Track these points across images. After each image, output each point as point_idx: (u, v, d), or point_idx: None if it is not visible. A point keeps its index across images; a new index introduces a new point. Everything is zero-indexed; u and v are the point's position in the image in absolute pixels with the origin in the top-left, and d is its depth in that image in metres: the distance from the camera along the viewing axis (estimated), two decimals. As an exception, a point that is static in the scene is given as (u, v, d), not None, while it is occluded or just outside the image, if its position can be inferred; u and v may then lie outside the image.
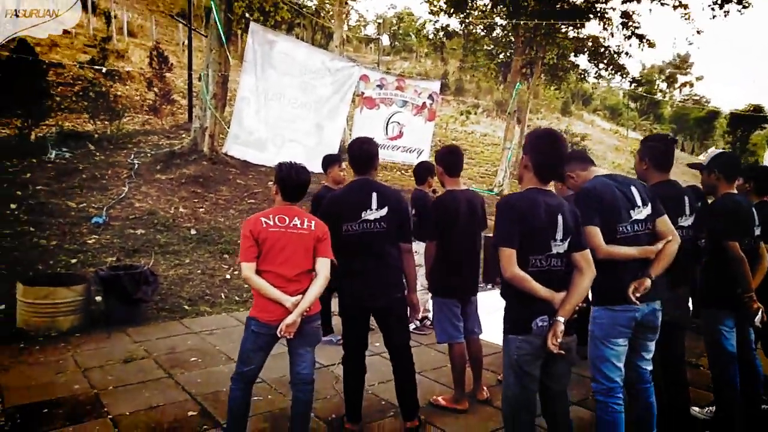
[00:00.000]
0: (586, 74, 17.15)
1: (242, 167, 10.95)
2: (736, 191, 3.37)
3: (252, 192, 10.35)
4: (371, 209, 3.29)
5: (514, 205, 2.52)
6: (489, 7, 15.63)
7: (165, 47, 23.24)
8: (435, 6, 15.48)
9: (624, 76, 15.08)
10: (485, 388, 4.05)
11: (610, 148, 27.23)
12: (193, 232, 8.16)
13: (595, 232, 2.73)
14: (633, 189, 2.87)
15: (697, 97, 56.29)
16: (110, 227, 7.71)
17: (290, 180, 2.95)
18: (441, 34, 16.82)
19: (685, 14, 15.07)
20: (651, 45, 15.65)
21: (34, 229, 7.14)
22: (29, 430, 3.40)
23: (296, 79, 10.97)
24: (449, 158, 3.88)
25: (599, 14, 14.86)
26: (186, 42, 17.00)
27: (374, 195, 3.30)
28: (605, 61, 15.28)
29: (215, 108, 11.14)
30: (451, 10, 16.48)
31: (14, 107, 9.92)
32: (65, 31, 21.89)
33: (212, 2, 11.02)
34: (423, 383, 4.29)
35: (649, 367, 2.94)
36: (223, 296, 6.57)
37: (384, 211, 3.30)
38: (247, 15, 14.01)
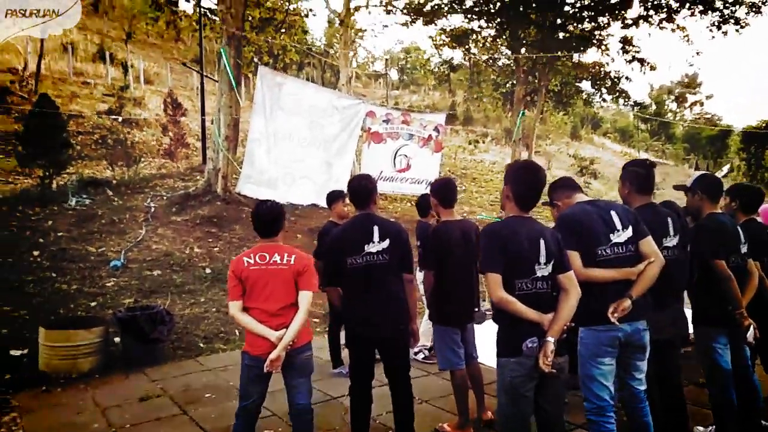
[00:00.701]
0: (591, 99, 17.39)
1: (254, 205, 11.24)
2: (720, 211, 3.48)
3: (264, 229, 10.59)
4: (373, 242, 3.43)
5: (497, 232, 2.68)
6: (490, 40, 16.04)
7: (180, 93, 24.11)
8: (436, 41, 15.93)
9: (626, 100, 15.28)
10: (489, 410, 4.12)
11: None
12: (208, 271, 8.39)
13: (573, 256, 2.86)
14: (613, 213, 3.00)
15: (709, 116, 56.18)
16: (128, 269, 7.97)
17: (257, 216, 3.15)
18: (445, 67, 17.20)
19: (685, 36, 15.31)
20: (652, 68, 15.89)
21: (55, 275, 7.43)
22: (51, 468, 3.55)
23: (305, 119, 11.30)
24: (443, 190, 4.04)
25: (598, 41, 15.16)
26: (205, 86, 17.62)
27: (375, 228, 3.45)
28: (606, 86, 15.53)
29: (227, 150, 11.52)
30: (454, 44, 16.94)
31: (37, 158, 10.37)
32: (84, 83, 22.92)
33: (222, 49, 11.53)
34: (430, 411, 4.40)
35: (642, 387, 3.01)
36: (237, 333, 6.71)
37: (386, 244, 3.45)
38: (255, 60, 14.55)
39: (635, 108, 15.54)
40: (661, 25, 15.54)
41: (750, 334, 3.22)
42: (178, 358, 5.86)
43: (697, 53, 16.32)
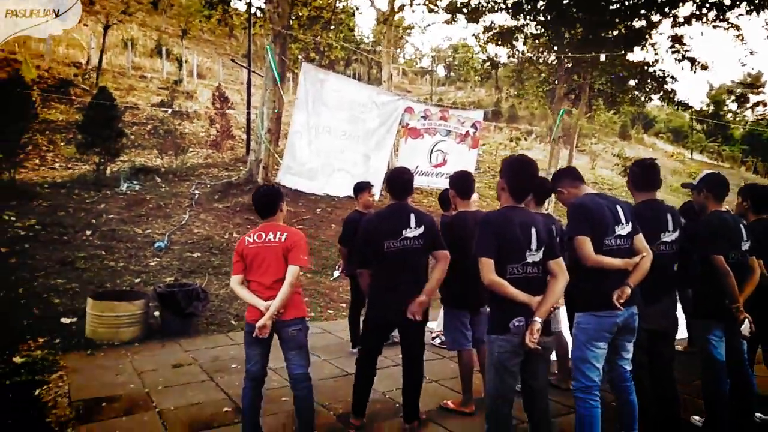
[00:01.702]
0: (637, 98, 16.96)
1: (293, 195, 11.65)
2: (724, 209, 3.55)
3: (301, 218, 11.00)
4: (410, 228, 3.68)
5: (492, 221, 2.88)
6: (533, 38, 15.91)
7: (230, 87, 24.95)
8: (479, 39, 15.94)
9: (671, 100, 14.82)
10: None
11: (670, 171, 26.41)
12: (244, 255, 8.81)
13: (586, 242, 3.02)
14: (618, 207, 3.16)
15: (773, 117, 53.39)
16: (171, 251, 8.49)
17: (255, 200, 3.48)
18: (487, 64, 17.18)
19: (738, 35, 14.78)
20: (704, 67, 15.37)
21: (104, 253, 8.00)
22: (90, 419, 3.96)
23: (345, 113, 11.62)
24: (460, 183, 4.23)
25: (646, 40, 14.80)
26: (252, 80, 18.24)
27: (412, 216, 3.71)
28: (652, 86, 15.12)
29: (269, 142, 11.98)
30: (499, 42, 16.88)
31: (94, 146, 11.10)
32: (141, 76, 24.06)
33: (268, 46, 11.99)
34: (438, 390, 4.63)
35: (629, 367, 3.16)
36: (267, 314, 7.09)
37: (421, 230, 3.69)
38: (299, 57, 14.98)
39: (679, 108, 15.01)
40: (714, 24, 15.06)
41: (745, 328, 3.28)
42: (210, 333, 6.27)
43: (751, 53, 15.68)
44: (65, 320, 6.12)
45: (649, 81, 15.10)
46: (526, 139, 25.18)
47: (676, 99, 15.01)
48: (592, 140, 27.36)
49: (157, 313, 6.40)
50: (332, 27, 18.46)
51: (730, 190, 3.64)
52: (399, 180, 3.88)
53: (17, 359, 5.11)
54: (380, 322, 3.84)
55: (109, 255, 7.98)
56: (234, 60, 20.51)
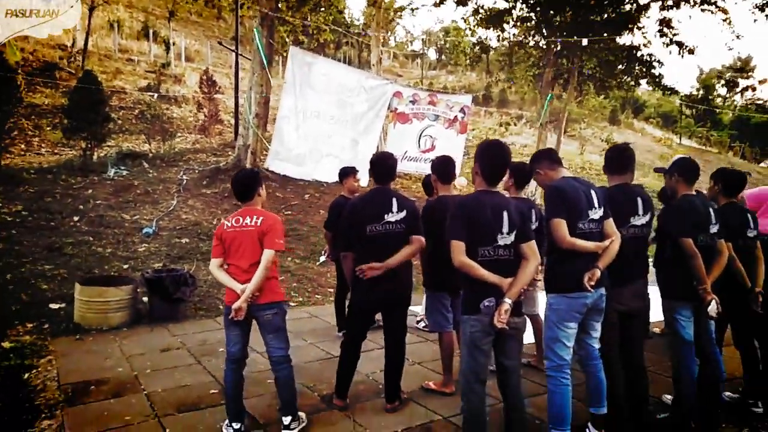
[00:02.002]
0: (623, 83, 17.04)
1: (282, 181, 11.69)
2: (695, 193, 3.65)
3: (289, 204, 11.04)
4: (392, 212, 3.76)
5: (464, 205, 2.96)
6: (522, 21, 15.89)
7: (219, 70, 24.73)
8: (468, 21, 15.91)
9: (658, 84, 14.91)
10: None
11: (658, 156, 26.65)
12: (232, 241, 8.86)
13: (561, 225, 3.11)
14: (592, 192, 3.26)
15: (761, 101, 53.69)
16: (159, 236, 8.52)
17: (233, 183, 3.55)
18: (477, 48, 17.17)
19: (726, 19, 14.86)
20: (691, 52, 15.48)
21: (92, 239, 8.03)
22: (79, 401, 4.03)
23: (333, 98, 11.61)
24: (441, 167, 4.30)
25: (634, 24, 14.85)
26: (240, 64, 18.11)
27: (394, 200, 3.78)
28: (639, 70, 15.20)
29: (257, 127, 11.95)
30: (488, 25, 16.85)
31: (80, 131, 11.04)
32: (128, 60, 23.76)
33: (255, 29, 11.90)
34: (421, 371, 4.75)
35: (597, 346, 3.30)
36: (255, 298, 7.17)
37: (403, 214, 3.77)
38: (287, 40, 14.86)
39: (665, 93, 15.09)
40: (702, 7, 15.13)
41: (712, 309, 3.39)
42: (198, 317, 6.34)
43: (738, 37, 15.65)
44: (53, 306, 6.17)
45: (636, 65, 15.17)
46: (515, 124, 25.23)
47: (663, 83, 15.10)
48: (581, 125, 27.44)
49: (145, 299, 6.45)
50: (321, 9, 18.26)
51: (700, 175, 3.74)
52: (383, 165, 3.95)
53: (6, 344, 5.16)
54: (364, 306, 3.94)
55: (96, 241, 8.01)
56: (221, 43, 20.33)
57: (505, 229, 2.91)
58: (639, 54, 14.94)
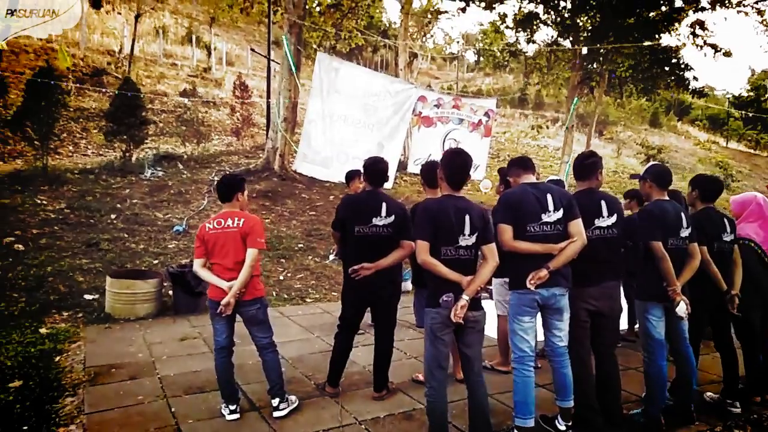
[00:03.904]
0: (659, 85, 16.72)
1: (308, 183, 12.12)
2: (667, 197, 3.80)
3: (314, 205, 11.44)
4: (381, 216, 4.01)
5: (429, 208, 3.24)
6: (554, 26, 15.84)
7: (259, 74, 25.47)
8: (495, 25, 15.97)
9: (686, 87, 14.62)
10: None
11: (697, 160, 25.94)
12: (257, 239, 9.31)
13: (505, 229, 3.38)
14: (549, 196, 3.47)
15: (817, 103, 51.15)
16: (188, 234, 9.04)
17: (216, 186, 3.83)
18: (506, 51, 17.23)
19: (762, 20, 14.48)
20: (727, 54, 15.13)
21: (127, 235, 8.60)
22: (99, 382, 4.48)
23: (359, 102, 11.96)
24: (426, 173, 4.52)
25: (666, 26, 14.62)
26: (273, 69, 18.72)
27: (384, 204, 4.03)
28: (674, 73, 14.92)
29: (285, 130, 12.43)
30: (519, 29, 16.88)
31: (120, 134, 11.75)
32: (172, 64, 24.79)
33: (284, 36, 12.39)
34: (414, 364, 5.02)
35: (561, 343, 3.50)
36: (274, 294, 7.57)
37: (391, 219, 4.02)
38: (314, 46, 15.31)
39: (695, 96, 14.75)
40: (738, 9, 14.79)
41: (680, 309, 3.54)
42: (217, 310, 6.76)
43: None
44: (88, 297, 6.71)
45: (666, 68, 14.93)
46: (548, 127, 25.04)
47: (690, 86, 14.81)
48: (618, 128, 26.97)
49: (170, 292, 6.94)
50: (352, 14, 18.67)
51: (672, 180, 3.90)
52: (374, 168, 4.17)
53: (43, 330, 5.71)
54: (355, 300, 4.22)
55: (131, 237, 8.58)
56: (254, 50, 21.01)
57: (467, 231, 3.17)
58: (663, 56, 14.67)
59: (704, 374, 4.82)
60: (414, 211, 4.51)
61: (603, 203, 3.62)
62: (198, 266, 3.80)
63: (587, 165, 3.69)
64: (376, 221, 4.00)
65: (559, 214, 3.43)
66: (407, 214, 4.12)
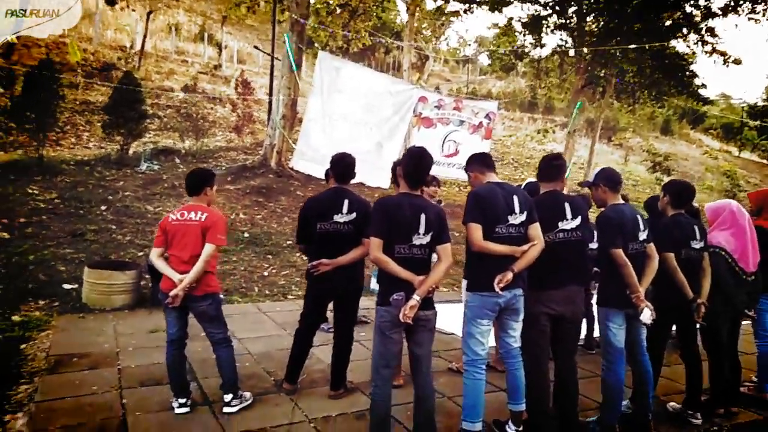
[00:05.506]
0: (665, 91, 16.48)
1: (305, 180, 12.07)
2: (622, 201, 3.69)
3: (308, 203, 11.39)
4: (342, 213, 3.95)
5: (385, 205, 3.16)
6: (561, 30, 15.70)
7: (266, 72, 25.59)
8: (502, 28, 15.85)
9: (690, 94, 14.37)
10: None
11: (705, 169, 25.53)
12: (246, 235, 9.28)
13: (474, 229, 3.25)
14: (515, 197, 3.36)
15: (837, 115, 50.13)
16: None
17: (186, 179, 3.79)
18: (511, 56, 17.10)
19: (773, 27, 14.17)
20: (736, 62, 14.87)
21: (114, 227, 8.61)
22: (57, 371, 4.44)
23: (360, 101, 11.90)
24: (393, 173, 4.45)
25: (673, 32, 14.40)
26: (276, 67, 18.74)
27: (346, 202, 3.96)
28: (680, 79, 14.68)
29: (284, 127, 12.41)
30: (526, 31, 16.76)
31: (118, 127, 11.81)
32: (183, 61, 24.96)
33: (286, 35, 12.36)
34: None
35: (516, 345, 3.41)
36: (256, 289, 7.52)
37: (353, 216, 3.95)
38: (316, 45, 15.28)
39: (699, 103, 14.49)
40: (749, 16, 14.52)
41: (645, 316, 3.42)
42: (194, 304, 6.72)
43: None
44: (67, 286, 6.70)
45: (672, 74, 14.70)
46: (555, 132, 24.80)
47: (695, 93, 14.56)
48: (627, 134, 26.66)
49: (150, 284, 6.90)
50: (363, 15, 18.65)
51: (623, 182, 3.78)
52: (340, 164, 4.10)
53: (16, 318, 5.70)
54: (316, 297, 4.16)
55: (118, 229, 8.58)
56: (257, 47, 21.08)
57: (422, 230, 3.08)
58: (668, 62, 14.45)
59: (672, 384, 4.70)
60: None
61: (567, 205, 3.52)
62: (155, 255, 3.76)
63: (555, 167, 3.60)
64: (337, 218, 3.93)
65: (524, 216, 3.34)
66: (370, 212, 4.05)
